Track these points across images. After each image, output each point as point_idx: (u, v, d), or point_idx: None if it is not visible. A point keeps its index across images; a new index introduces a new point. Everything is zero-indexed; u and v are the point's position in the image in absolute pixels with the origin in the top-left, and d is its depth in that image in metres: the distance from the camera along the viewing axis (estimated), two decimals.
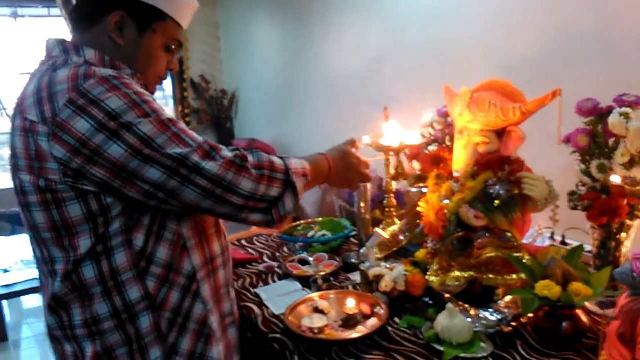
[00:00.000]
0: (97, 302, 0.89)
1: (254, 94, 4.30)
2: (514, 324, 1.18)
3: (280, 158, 0.98)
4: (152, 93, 1.04)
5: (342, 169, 1.12)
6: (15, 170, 0.89)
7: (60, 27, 4.32)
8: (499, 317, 1.18)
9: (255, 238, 1.97)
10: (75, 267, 0.88)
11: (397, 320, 1.26)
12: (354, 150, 1.17)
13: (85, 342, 0.91)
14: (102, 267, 0.88)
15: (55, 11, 4.33)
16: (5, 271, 3.13)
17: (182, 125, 0.89)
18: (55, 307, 0.92)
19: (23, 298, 3.40)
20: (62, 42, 0.94)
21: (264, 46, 3.94)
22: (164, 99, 4.73)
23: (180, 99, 4.55)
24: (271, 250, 1.84)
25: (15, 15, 4.35)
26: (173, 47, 1.03)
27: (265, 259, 1.75)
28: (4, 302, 3.16)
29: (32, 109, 0.84)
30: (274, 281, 1.55)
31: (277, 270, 1.62)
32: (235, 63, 4.51)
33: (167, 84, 4.65)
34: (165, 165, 0.83)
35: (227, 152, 0.90)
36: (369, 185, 1.66)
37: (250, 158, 0.92)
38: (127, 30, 0.95)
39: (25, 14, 4.42)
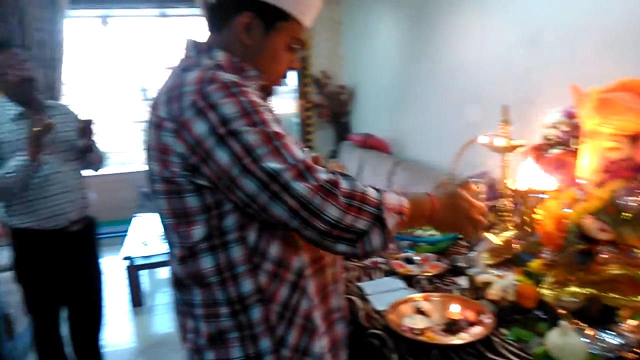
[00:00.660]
0: (214, 289, 0.96)
1: (371, 89, 4.32)
2: (638, 350, 1.07)
3: (378, 190, 0.93)
4: (272, 93, 1.09)
5: (448, 213, 1.02)
6: (148, 159, 0.98)
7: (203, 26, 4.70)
8: (621, 341, 1.08)
9: None
10: (191, 254, 0.95)
11: (503, 331, 1.20)
12: (466, 192, 1.05)
13: (201, 322, 0.99)
14: (219, 259, 0.94)
15: (197, 10, 4.72)
16: (145, 244, 3.53)
17: (287, 140, 0.90)
18: (178, 285, 1.02)
19: (159, 269, 3.81)
20: (197, 44, 1.01)
21: (384, 42, 3.93)
22: (288, 93, 4.94)
23: (302, 94, 4.72)
24: None
25: (163, 15, 4.81)
26: (295, 46, 1.05)
27: None
28: (143, 272, 3.56)
29: (163, 106, 0.92)
30: (379, 277, 1.57)
31: (382, 266, 1.64)
32: (355, 59, 4.56)
33: (292, 78, 4.85)
34: (259, 178, 0.85)
35: (321, 175, 0.88)
36: (482, 187, 1.60)
37: (344, 185, 0.89)
38: (254, 31, 0.99)
39: (172, 14, 4.87)
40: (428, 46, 3.26)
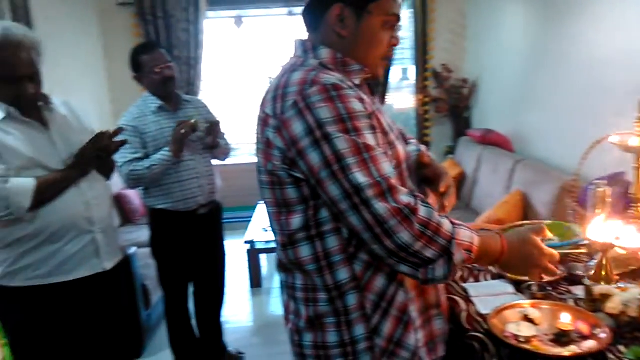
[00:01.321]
0: (313, 276, 1.03)
1: (494, 83, 4.12)
2: None
3: (453, 224, 0.95)
4: (379, 76, 1.11)
5: (517, 257, 1.03)
6: (257, 151, 1.07)
7: None
8: None
9: None
10: (290, 242, 1.03)
11: (620, 348, 1.12)
12: (538, 239, 1.05)
13: (301, 305, 1.07)
14: (316, 248, 1.01)
15: None
16: (265, 230, 3.76)
17: (377, 152, 0.93)
18: (283, 269, 1.10)
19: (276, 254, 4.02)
20: (303, 43, 1.07)
21: (510, 34, 3.72)
22: (406, 87, 4.90)
23: (420, 88, 4.65)
24: None
25: (290, 14, 5.02)
26: (392, 23, 1.05)
27: None
28: (262, 256, 3.81)
29: (269, 104, 1.00)
30: (486, 279, 1.52)
31: (490, 268, 1.59)
32: (478, 52, 4.38)
33: (411, 72, 4.80)
34: (344, 187, 0.90)
35: (403, 197, 0.91)
36: (609, 189, 1.47)
37: (421, 213, 0.91)
38: (347, 20, 1.02)
39: (299, 13, 5.07)
40: (557, 36, 3.04)
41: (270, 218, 1.10)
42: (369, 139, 0.94)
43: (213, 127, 2.32)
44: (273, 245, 3.71)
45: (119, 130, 1.77)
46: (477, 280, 1.53)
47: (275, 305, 3.50)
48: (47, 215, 1.59)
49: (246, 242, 3.63)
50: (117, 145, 1.74)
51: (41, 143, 1.62)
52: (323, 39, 1.05)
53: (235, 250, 3.81)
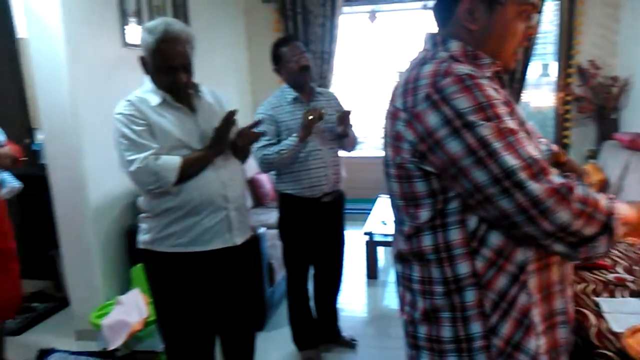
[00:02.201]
0: (432, 266, 1.02)
1: None
2: None
3: (610, 199, 0.91)
4: (511, 69, 1.07)
5: None
6: (384, 145, 1.09)
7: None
8: None
9: None
10: (416, 232, 1.03)
11: None
12: None
13: (417, 297, 1.07)
14: (438, 238, 1.00)
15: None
16: (384, 223, 3.79)
17: (521, 135, 0.91)
18: (400, 260, 1.11)
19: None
20: (433, 36, 1.06)
21: None
22: (546, 85, 4.57)
23: (562, 85, 4.31)
24: (629, 261, 1.64)
25: (425, 8, 4.95)
26: (528, 11, 1.01)
27: (619, 269, 1.58)
28: (380, 248, 3.84)
29: (399, 97, 1.01)
30: (622, 296, 1.40)
31: (629, 284, 1.45)
32: (632, 47, 3.93)
33: (552, 68, 4.47)
34: (492, 173, 0.88)
35: (555, 178, 0.89)
36: None
37: (577, 191, 0.88)
38: (477, 14, 0.99)
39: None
40: None
41: (395, 210, 1.12)
42: (511, 124, 0.92)
43: (345, 115, 2.40)
44: (389, 239, 3.74)
45: (258, 122, 1.92)
46: (612, 295, 1.41)
47: (390, 298, 3.51)
48: (190, 190, 1.78)
49: (365, 234, 3.69)
50: (257, 136, 1.90)
51: (189, 126, 1.82)
52: (453, 32, 1.04)
53: (353, 241, 3.89)
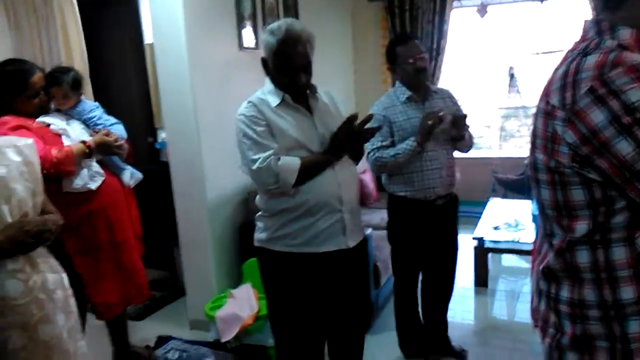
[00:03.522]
0: (586, 287, 0.91)
1: None
2: None
3: None
4: None
5: None
6: (533, 147, 0.98)
7: (584, 7, 4.32)
8: None
9: None
10: (569, 247, 0.92)
11: None
12: None
13: (565, 320, 0.95)
14: (598, 256, 0.89)
15: None
16: (496, 228, 3.59)
17: None
18: (547, 276, 1.00)
19: (506, 255, 3.82)
20: (597, 23, 0.92)
21: None
22: None
23: None
24: None
25: (542, 0, 4.62)
26: None
27: None
28: (490, 255, 3.64)
29: (555, 94, 0.90)
30: None
31: None
32: None
33: None
34: None
35: None
36: None
37: None
38: None
39: None
40: None
41: (544, 220, 1.01)
42: None
43: (458, 120, 2.28)
44: (502, 246, 3.53)
45: (370, 117, 1.88)
46: None
47: (499, 308, 3.32)
48: (306, 192, 1.78)
49: (474, 239, 3.52)
50: (371, 132, 1.85)
51: (306, 127, 1.82)
52: (626, 18, 0.90)
53: (462, 246, 3.72)
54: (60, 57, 3.19)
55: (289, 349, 1.97)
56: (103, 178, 2.36)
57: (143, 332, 3.05)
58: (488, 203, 4.10)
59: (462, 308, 3.28)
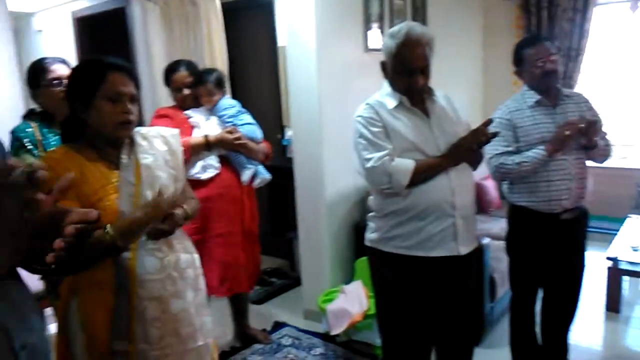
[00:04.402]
0: None
1: None
2: None
3: None
4: None
5: None
6: None
7: None
8: None
9: None
10: None
11: None
12: None
13: None
14: None
15: None
16: (635, 249, 3.23)
17: None
18: None
19: None
20: None
21: None
22: None
23: None
24: None
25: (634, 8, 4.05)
26: None
27: None
28: (626, 278, 3.30)
29: None
30: None
31: None
32: None
33: None
34: None
35: None
36: None
37: None
38: None
39: None
40: None
41: None
42: None
43: (588, 127, 2.08)
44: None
45: (489, 121, 1.83)
46: None
47: (633, 337, 3.00)
48: (418, 194, 1.79)
49: (608, 259, 3.20)
50: (489, 137, 1.80)
51: (422, 130, 1.83)
52: None
53: (592, 265, 3.42)
54: (204, 57, 3.53)
55: (395, 351, 2.00)
56: (217, 171, 2.58)
57: (261, 316, 3.26)
58: (626, 220, 3.70)
59: (588, 333, 3.02)
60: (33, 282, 0.92)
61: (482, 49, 4.70)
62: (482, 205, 3.94)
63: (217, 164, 2.60)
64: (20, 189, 0.68)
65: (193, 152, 2.46)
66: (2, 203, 0.67)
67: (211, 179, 2.58)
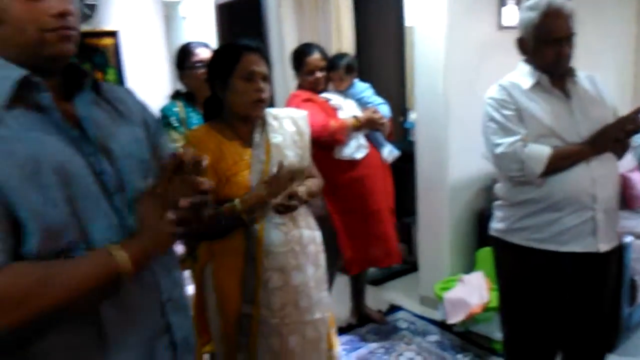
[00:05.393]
0: None
1: None
2: None
3: None
4: None
5: None
6: None
7: None
8: None
9: None
10: None
11: None
12: None
13: None
14: None
15: None
16: None
17: None
18: None
19: None
20: None
21: None
22: None
23: None
24: None
25: None
26: None
27: None
28: None
29: None
30: None
31: None
32: None
33: None
34: None
35: None
36: None
37: None
38: None
39: None
40: None
41: None
42: None
43: None
44: None
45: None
46: None
47: None
48: (553, 184, 1.66)
49: None
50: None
51: (560, 114, 1.69)
52: None
53: None
54: (332, 40, 3.58)
55: (518, 350, 1.90)
56: (367, 151, 2.67)
57: (378, 298, 3.29)
58: None
59: None
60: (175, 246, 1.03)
61: (636, 23, 4.15)
62: (626, 199, 3.54)
63: (366, 143, 2.69)
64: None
65: (347, 133, 2.58)
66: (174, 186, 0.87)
67: (362, 159, 2.67)
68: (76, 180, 0.84)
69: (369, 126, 2.66)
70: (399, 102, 3.90)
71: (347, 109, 2.69)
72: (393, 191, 2.86)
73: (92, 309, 0.86)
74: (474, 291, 2.65)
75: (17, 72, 0.83)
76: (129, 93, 1.08)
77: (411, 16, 3.44)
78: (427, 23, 2.87)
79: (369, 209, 2.69)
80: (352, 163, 2.61)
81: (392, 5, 3.83)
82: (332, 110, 2.66)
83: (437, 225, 3.03)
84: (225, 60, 1.59)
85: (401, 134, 3.78)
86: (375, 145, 2.74)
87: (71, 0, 0.87)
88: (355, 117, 2.62)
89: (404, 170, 3.37)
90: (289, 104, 2.64)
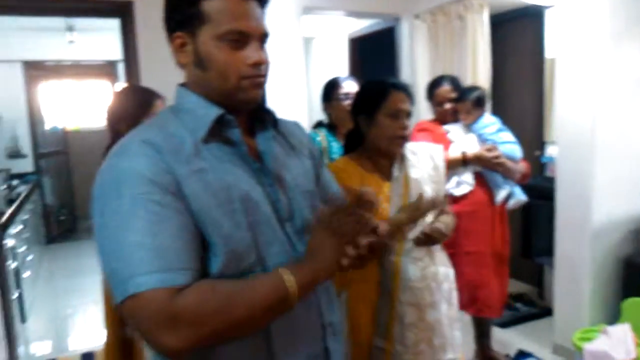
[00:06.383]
0: None
1: None
2: None
3: None
4: None
5: None
6: None
7: None
8: None
9: None
10: None
11: None
12: None
13: None
14: None
15: None
16: None
17: None
18: None
19: None
20: None
21: None
22: None
23: None
24: None
25: None
26: None
27: None
28: None
29: None
30: None
31: None
32: None
33: None
34: None
35: None
36: None
37: None
38: None
39: None
40: None
41: None
42: None
43: None
44: None
45: None
46: None
47: None
48: None
49: None
50: None
51: None
52: None
53: None
54: (467, 72, 3.53)
55: None
56: (470, 188, 2.56)
57: (504, 341, 3.11)
58: None
59: None
60: None
61: None
62: None
63: (472, 181, 2.59)
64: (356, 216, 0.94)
65: (449, 167, 2.51)
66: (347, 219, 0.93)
67: (464, 196, 2.59)
68: (258, 208, 0.93)
69: (480, 163, 2.54)
70: (536, 136, 3.71)
71: (464, 143, 2.61)
72: (507, 237, 2.68)
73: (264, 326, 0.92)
74: (619, 345, 2.40)
75: (215, 111, 0.95)
76: (298, 127, 1.18)
77: (552, 47, 3.28)
78: (571, 54, 2.72)
79: (462, 250, 2.54)
80: (450, 199, 2.45)
81: (530, 36, 3.69)
82: (448, 143, 2.61)
83: (577, 269, 2.80)
84: (373, 96, 1.66)
85: (538, 169, 3.58)
86: (490, 185, 2.61)
87: (265, 50, 0.97)
88: (463, 152, 2.54)
89: (539, 207, 3.19)
90: None
